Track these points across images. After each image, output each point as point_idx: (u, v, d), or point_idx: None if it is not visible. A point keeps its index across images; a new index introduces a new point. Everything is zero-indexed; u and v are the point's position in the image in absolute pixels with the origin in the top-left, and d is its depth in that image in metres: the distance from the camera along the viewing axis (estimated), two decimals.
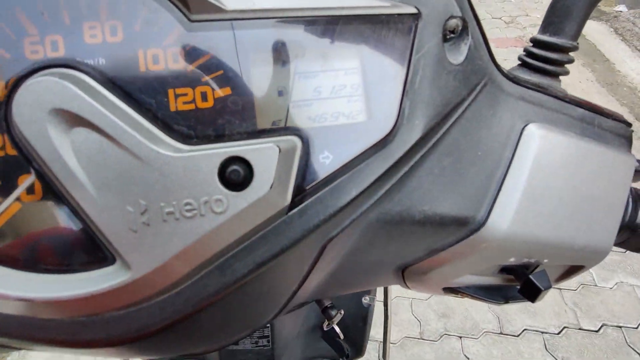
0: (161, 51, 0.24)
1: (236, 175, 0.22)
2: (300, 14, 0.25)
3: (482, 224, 0.32)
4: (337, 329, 0.59)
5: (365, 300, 0.66)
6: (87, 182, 0.21)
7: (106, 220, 0.21)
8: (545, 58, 0.35)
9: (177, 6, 0.23)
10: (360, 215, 0.29)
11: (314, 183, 0.26)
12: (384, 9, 0.26)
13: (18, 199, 0.23)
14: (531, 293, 0.36)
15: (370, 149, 0.27)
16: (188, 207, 0.22)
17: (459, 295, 0.41)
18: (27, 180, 0.23)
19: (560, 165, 0.32)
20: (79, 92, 0.21)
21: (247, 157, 0.23)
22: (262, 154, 0.23)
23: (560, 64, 0.35)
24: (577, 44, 0.35)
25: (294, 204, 0.26)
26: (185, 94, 0.24)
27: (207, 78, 0.24)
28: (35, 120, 0.21)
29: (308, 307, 0.62)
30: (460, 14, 0.29)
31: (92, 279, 0.22)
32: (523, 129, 0.32)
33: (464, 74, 0.30)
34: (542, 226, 0.33)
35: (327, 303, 0.56)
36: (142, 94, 0.23)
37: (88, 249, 0.23)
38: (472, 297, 0.40)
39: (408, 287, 0.42)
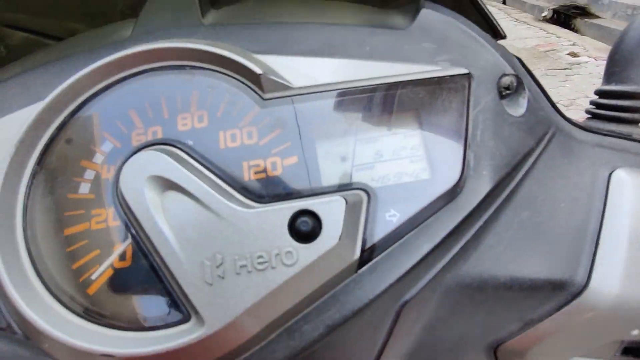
0: (237, 131, 0.27)
1: (305, 226, 0.23)
2: (357, 84, 0.28)
3: (584, 286, 0.28)
4: None
5: None
6: (172, 238, 0.23)
7: (185, 274, 0.23)
8: (616, 106, 0.33)
9: (252, 89, 0.27)
10: (436, 276, 0.27)
11: (382, 238, 0.25)
12: (437, 72, 0.28)
13: (111, 265, 0.25)
14: None
15: (437, 201, 0.26)
16: (260, 260, 0.23)
17: None
18: (121, 247, 0.26)
19: None
20: (172, 161, 0.25)
21: (315, 209, 0.23)
22: (330, 206, 0.24)
23: (634, 110, 0.33)
24: None
25: (363, 260, 0.25)
26: (258, 165, 0.26)
27: (276, 150, 0.27)
28: (135, 186, 0.24)
29: None
30: (512, 72, 0.30)
31: (170, 336, 0.23)
32: (610, 175, 0.29)
33: (527, 124, 0.29)
34: None
35: None
36: (222, 166, 0.26)
37: (167, 308, 0.24)
38: None
39: None
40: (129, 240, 0.26)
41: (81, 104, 0.28)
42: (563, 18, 4.45)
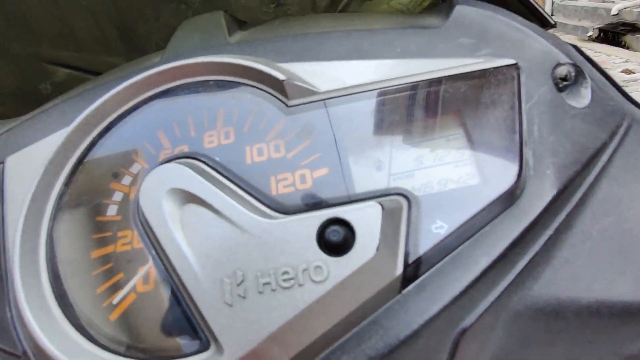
0: (264, 145, 0.26)
1: (336, 236, 0.20)
2: (389, 84, 0.25)
3: None
4: None
5: None
6: (189, 254, 0.21)
7: (203, 294, 0.20)
8: None
9: (276, 97, 0.26)
10: (500, 297, 0.22)
11: (429, 250, 0.22)
12: (478, 65, 0.25)
13: (134, 289, 0.24)
14: None
15: (492, 206, 0.22)
16: (285, 277, 0.20)
17: None
18: (144, 269, 0.24)
19: None
20: (192, 173, 0.23)
21: (348, 217, 0.21)
22: (364, 213, 0.21)
23: None
24: None
25: (408, 278, 0.21)
26: (286, 179, 0.24)
27: (305, 162, 0.25)
28: (154, 199, 0.23)
29: None
30: (568, 60, 0.26)
31: None
32: None
33: (594, 116, 0.25)
34: None
35: None
36: (248, 180, 0.24)
37: (186, 335, 0.21)
38: None
39: None
40: (151, 261, 0.24)
41: (109, 125, 0.28)
42: (611, 36, 4.24)
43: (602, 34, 4.41)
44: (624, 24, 4.20)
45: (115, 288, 0.24)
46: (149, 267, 0.24)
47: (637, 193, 0.24)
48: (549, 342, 0.24)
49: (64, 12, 0.35)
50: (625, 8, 4.29)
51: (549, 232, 0.23)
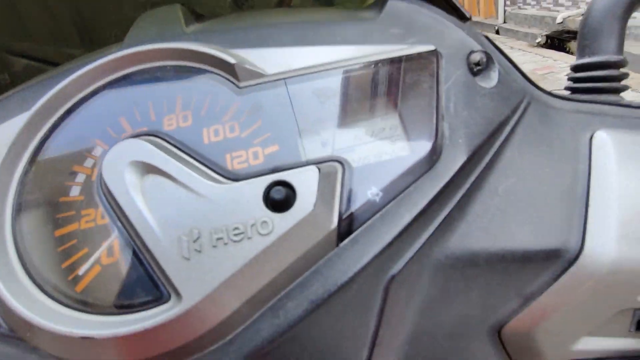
0: (220, 126, 0.28)
1: (279, 194, 0.23)
2: (330, 67, 0.29)
3: (579, 252, 0.27)
4: None
5: None
6: (150, 217, 0.24)
7: (163, 250, 0.23)
8: (592, 77, 0.34)
9: (229, 79, 0.29)
10: (423, 248, 0.26)
11: (359, 207, 0.25)
12: (405, 51, 0.29)
13: (98, 261, 0.26)
14: None
15: (413, 169, 0.26)
16: (236, 232, 0.23)
17: None
18: (107, 242, 0.26)
19: None
20: (152, 147, 0.26)
21: (289, 179, 0.24)
22: (303, 176, 0.24)
23: (611, 79, 0.33)
24: (624, 58, 0.33)
25: (343, 234, 0.25)
26: (240, 156, 0.27)
27: (257, 141, 0.28)
28: (116, 171, 0.25)
29: None
30: (480, 48, 0.31)
31: (149, 316, 0.22)
32: (591, 138, 0.29)
33: (500, 95, 0.30)
34: None
35: None
36: (205, 158, 0.27)
37: (149, 290, 0.24)
38: None
39: None
40: (115, 233, 0.26)
41: (71, 109, 0.30)
42: (557, 43, 4.56)
43: (549, 41, 4.73)
44: (568, 32, 4.53)
45: (80, 262, 0.26)
46: (113, 240, 0.26)
47: (534, 158, 0.29)
48: (465, 288, 0.28)
49: (21, 4, 0.36)
50: (568, 17, 4.62)
51: (462, 191, 0.27)
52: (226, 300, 0.22)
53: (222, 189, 0.24)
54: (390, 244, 0.25)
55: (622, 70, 0.34)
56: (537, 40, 4.79)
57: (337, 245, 0.24)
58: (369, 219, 0.25)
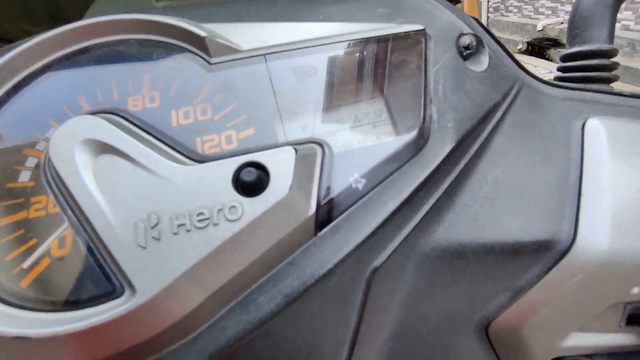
0: (191, 108, 0.26)
1: (249, 176, 0.20)
2: (310, 44, 0.27)
3: (571, 243, 0.25)
4: None
5: None
6: (102, 201, 0.21)
7: (116, 238, 0.20)
8: (582, 67, 0.32)
9: (199, 55, 0.26)
10: (408, 238, 0.24)
11: (340, 193, 0.23)
12: (391, 29, 0.27)
13: (48, 253, 0.23)
14: None
15: (399, 154, 0.24)
16: (201, 217, 0.20)
17: None
18: (58, 232, 0.23)
19: None
20: (106, 124, 0.23)
21: (262, 160, 0.21)
22: (278, 156, 0.22)
23: (601, 69, 0.32)
24: (614, 47, 0.32)
25: (323, 222, 0.22)
26: (212, 139, 0.25)
27: (232, 124, 0.25)
28: (65, 150, 0.22)
29: None
30: (470, 31, 0.29)
31: (97, 312, 0.20)
32: (583, 125, 0.28)
33: (490, 79, 0.28)
34: None
35: None
36: (174, 141, 0.24)
37: (100, 284, 0.21)
38: None
39: None
40: (68, 223, 0.23)
41: (19, 85, 0.27)
42: (537, 49, 4.67)
43: (530, 47, 4.84)
44: (548, 39, 4.65)
45: (26, 255, 0.23)
46: (65, 230, 0.23)
47: (524, 146, 0.27)
48: (452, 280, 0.26)
49: None
50: (548, 25, 4.74)
51: (449, 179, 0.25)
52: (188, 293, 0.20)
53: (185, 171, 0.21)
54: (373, 234, 0.23)
55: (613, 60, 0.33)
56: (518, 47, 4.90)
57: (316, 234, 0.22)
58: (350, 206, 0.23)
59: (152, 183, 0.21)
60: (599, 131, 0.27)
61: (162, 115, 0.25)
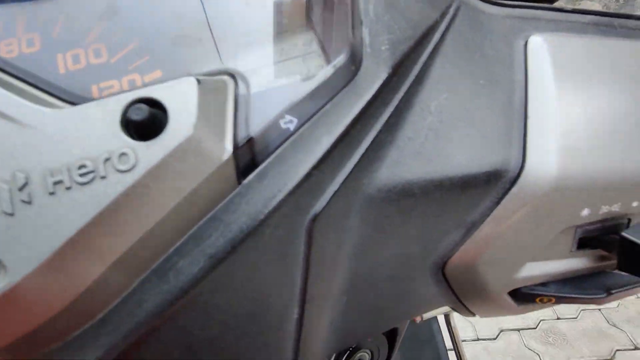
0: (82, 50, 0.21)
1: (139, 114, 0.16)
2: None
3: (520, 169, 0.24)
4: None
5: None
6: None
7: None
8: None
9: None
10: (349, 179, 0.21)
11: (266, 134, 0.20)
12: None
13: None
14: (637, 262, 0.25)
15: (328, 82, 0.21)
16: (83, 171, 0.16)
17: (539, 303, 0.29)
18: None
19: (594, 71, 0.25)
20: None
21: (156, 95, 0.17)
22: (175, 88, 0.18)
23: None
24: None
25: (246, 168, 0.19)
26: (111, 86, 0.20)
27: (133, 66, 0.21)
28: None
29: None
30: None
31: None
32: (526, 44, 0.26)
33: None
34: (606, 151, 0.24)
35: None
36: (64, 92, 0.19)
37: None
38: (557, 298, 0.28)
39: (466, 308, 0.31)
40: None
41: None
42: None
43: None
44: None
45: None
46: None
47: (467, 69, 0.25)
48: (402, 222, 0.24)
49: None
50: None
51: (389, 109, 0.22)
52: (79, 266, 0.16)
53: (59, 115, 0.17)
54: (307, 176, 0.20)
55: None
56: None
57: (239, 182, 0.19)
58: (278, 147, 0.20)
59: (14, 135, 0.16)
60: (541, 48, 0.25)
61: (45, 61, 0.20)
